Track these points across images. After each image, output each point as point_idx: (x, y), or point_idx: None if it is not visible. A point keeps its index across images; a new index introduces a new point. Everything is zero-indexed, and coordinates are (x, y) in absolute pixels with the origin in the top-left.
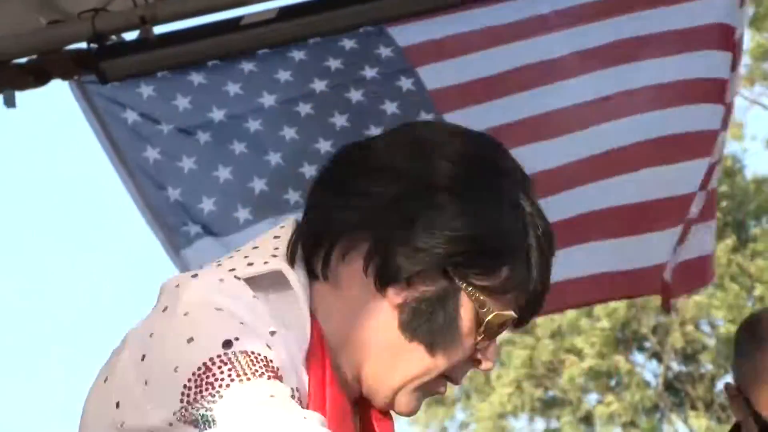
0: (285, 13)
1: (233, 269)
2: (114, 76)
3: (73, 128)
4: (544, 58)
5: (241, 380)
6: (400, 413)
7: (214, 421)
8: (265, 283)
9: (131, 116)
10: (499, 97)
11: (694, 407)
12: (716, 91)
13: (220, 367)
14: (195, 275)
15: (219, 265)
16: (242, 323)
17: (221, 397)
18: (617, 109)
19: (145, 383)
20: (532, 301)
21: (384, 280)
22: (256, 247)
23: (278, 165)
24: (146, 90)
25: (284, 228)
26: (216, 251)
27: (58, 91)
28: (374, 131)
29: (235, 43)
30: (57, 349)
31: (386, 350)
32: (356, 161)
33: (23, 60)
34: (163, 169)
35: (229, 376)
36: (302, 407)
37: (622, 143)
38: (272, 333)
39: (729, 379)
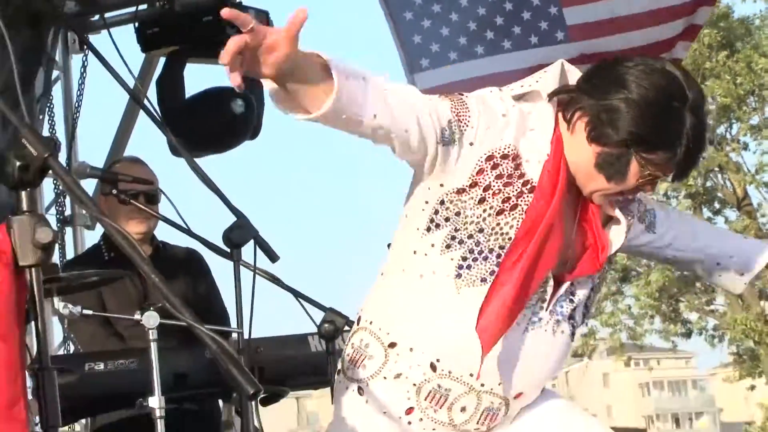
0: None
1: (512, 89)
2: None
3: None
4: None
5: (453, 99)
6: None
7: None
8: (531, 96)
9: None
10: None
11: None
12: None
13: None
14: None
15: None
16: (484, 104)
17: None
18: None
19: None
20: (677, 173)
21: (591, 139)
22: (538, 81)
23: (474, 30)
24: None
25: (551, 67)
26: (433, 79)
27: None
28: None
29: None
30: None
31: (587, 173)
32: (609, 73)
33: None
34: (423, 8)
35: (464, 100)
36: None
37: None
38: (503, 115)
39: None
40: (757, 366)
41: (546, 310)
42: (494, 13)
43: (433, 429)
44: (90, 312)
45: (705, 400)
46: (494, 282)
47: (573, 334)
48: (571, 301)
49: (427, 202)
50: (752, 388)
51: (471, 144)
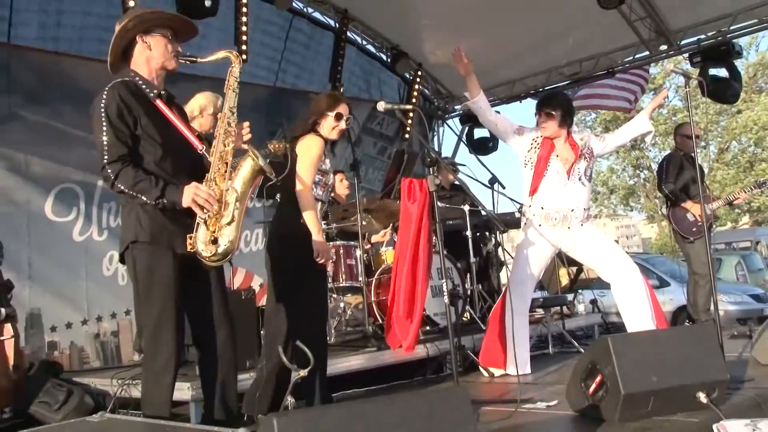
0: None
1: (534, 126)
2: None
3: None
4: None
5: (522, 126)
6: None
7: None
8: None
9: None
10: None
11: None
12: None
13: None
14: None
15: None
16: (530, 128)
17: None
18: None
19: None
20: (569, 123)
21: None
22: (536, 125)
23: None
24: None
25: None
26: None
27: None
28: None
29: None
30: None
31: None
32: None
33: None
34: None
35: (525, 126)
36: (537, 147)
37: None
38: (535, 130)
39: None
40: (654, 219)
41: (573, 175)
42: None
43: (548, 228)
44: (447, 205)
45: (637, 231)
46: (538, 174)
47: (587, 182)
48: (579, 170)
49: (522, 156)
50: (652, 226)
51: (527, 135)
